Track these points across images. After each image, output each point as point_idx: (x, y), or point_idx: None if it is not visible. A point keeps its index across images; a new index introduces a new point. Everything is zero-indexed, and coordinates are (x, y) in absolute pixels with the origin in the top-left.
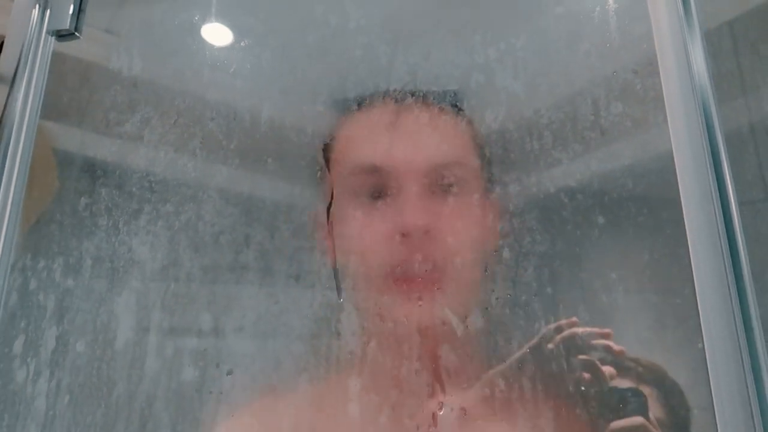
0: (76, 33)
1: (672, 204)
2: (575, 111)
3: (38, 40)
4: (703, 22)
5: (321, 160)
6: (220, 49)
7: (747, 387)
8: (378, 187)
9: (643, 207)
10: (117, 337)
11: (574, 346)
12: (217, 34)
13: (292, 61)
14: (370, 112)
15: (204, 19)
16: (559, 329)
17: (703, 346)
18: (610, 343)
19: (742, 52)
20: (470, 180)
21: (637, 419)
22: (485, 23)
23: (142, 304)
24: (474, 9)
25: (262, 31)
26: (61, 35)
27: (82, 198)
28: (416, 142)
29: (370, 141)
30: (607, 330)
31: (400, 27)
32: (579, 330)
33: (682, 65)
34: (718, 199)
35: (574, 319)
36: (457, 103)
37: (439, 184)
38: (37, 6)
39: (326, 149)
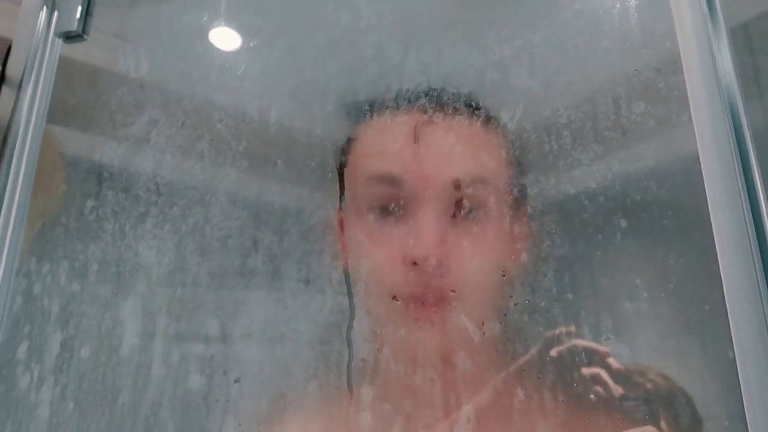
0: (83, 35)
1: (698, 206)
2: (595, 110)
3: (45, 42)
4: (728, 18)
5: (333, 163)
6: (229, 50)
7: None
8: (393, 199)
9: (668, 209)
10: (122, 343)
11: (574, 358)
12: (225, 35)
13: (302, 62)
14: (390, 118)
15: (212, 21)
16: (558, 340)
17: (734, 355)
18: (610, 360)
19: (760, 51)
20: (496, 199)
21: (648, 428)
22: (500, 20)
23: (148, 309)
24: (488, 5)
25: (271, 31)
26: (69, 37)
27: (88, 201)
28: (440, 155)
29: (389, 149)
30: (606, 349)
31: (412, 25)
32: (579, 343)
33: (706, 63)
34: (747, 201)
35: (572, 328)
36: (489, 113)
37: (460, 203)
38: (45, 8)
39: (342, 152)
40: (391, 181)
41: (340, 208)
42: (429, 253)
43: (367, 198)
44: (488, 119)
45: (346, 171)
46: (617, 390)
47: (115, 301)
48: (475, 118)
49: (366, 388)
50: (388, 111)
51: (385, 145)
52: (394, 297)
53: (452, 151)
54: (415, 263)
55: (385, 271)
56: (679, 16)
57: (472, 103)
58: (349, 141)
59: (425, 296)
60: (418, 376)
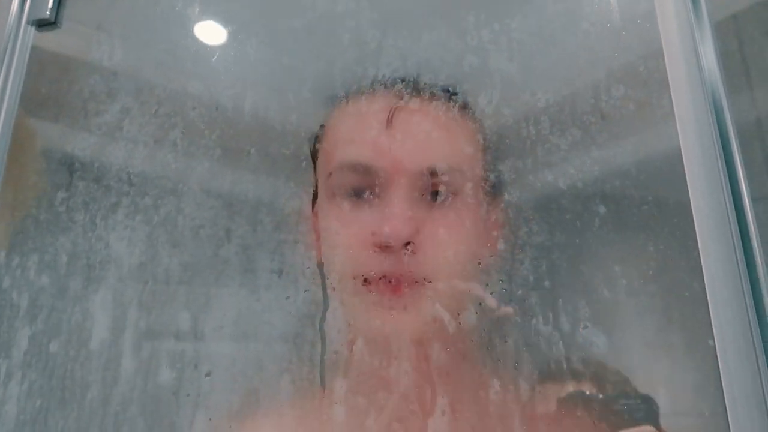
0: (56, 23)
1: (679, 193)
2: (574, 95)
3: (18, 30)
4: (712, 13)
5: (308, 151)
6: (203, 37)
7: (763, 389)
8: (365, 186)
9: (648, 196)
10: (92, 337)
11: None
12: (200, 22)
13: (277, 49)
14: (364, 104)
15: (187, 8)
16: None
17: (714, 343)
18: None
19: (749, 44)
20: (468, 187)
21: (647, 428)
22: (478, 4)
23: (118, 302)
24: None
25: (247, 18)
26: (42, 25)
27: (59, 192)
28: (411, 142)
29: (360, 136)
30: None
31: (390, 10)
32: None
33: (688, 50)
34: (728, 187)
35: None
36: (464, 99)
37: (430, 190)
38: None
39: (315, 140)
40: (364, 167)
41: (315, 197)
42: (400, 235)
43: (340, 184)
44: (464, 105)
45: (318, 158)
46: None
47: (85, 294)
48: (450, 103)
49: (339, 381)
50: (361, 96)
51: (358, 130)
52: (366, 282)
53: (427, 137)
54: (387, 246)
55: (357, 256)
56: (662, 11)
57: (448, 89)
58: (322, 128)
59: (398, 281)
60: (392, 368)
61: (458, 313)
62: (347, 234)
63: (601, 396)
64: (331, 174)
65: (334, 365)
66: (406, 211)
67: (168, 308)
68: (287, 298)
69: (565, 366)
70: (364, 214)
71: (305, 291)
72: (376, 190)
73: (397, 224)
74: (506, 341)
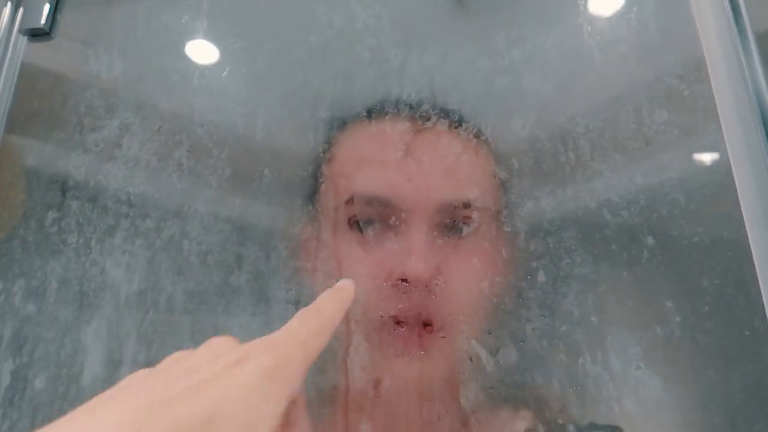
0: (50, 34)
1: (732, 220)
2: (615, 118)
3: (8, 39)
4: (754, 23)
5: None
6: (212, 50)
7: None
8: (380, 219)
9: (699, 225)
10: (83, 372)
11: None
12: (208, 34)
13: (293, 65)
14: (379, 128)
15: (195, 20)
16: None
17: None
18: None
19: None
20: (496, 217)
21: None
22: (507, 23)
23: (114, 333)
24: (494, 6)
25: (260, 32)
26: (34, 35)
27: (50, 212)
28: (432, 171)
29: (377, 165)
30: None
31: (413, 27)
32: None
33: (733, 68)
34: None
35: None
36: (476, 130)
37: (452, 223)
38: (9, 3)
39: (320, 162)
40: (382, 200)
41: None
42: (422, 272)
43: (354, 215)
44: (479, 135)
45: (325, 184)
46: None
47: (77, 324)
48: (468, 132)
49: (365, 424)
50: (374, 120)
51: (375, 158)
52: (383, 326)
53: (448, 167)
54: (404, 280)
55: (373, 293)
56: (702, 21)
57: (465, 117)
58: (329, 151)
59: (417, 325)
60: (424, 410)
61: (498, 350)
62: (363, 269)
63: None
64: (343, 204)
65: (358, 406)
66: (427, 244)
67: (170, 341)
68: None
69: (616, 410)
70: (381, 249)
71: None
72: (395, 222)
73: (418, 260)
74: (551, 382)
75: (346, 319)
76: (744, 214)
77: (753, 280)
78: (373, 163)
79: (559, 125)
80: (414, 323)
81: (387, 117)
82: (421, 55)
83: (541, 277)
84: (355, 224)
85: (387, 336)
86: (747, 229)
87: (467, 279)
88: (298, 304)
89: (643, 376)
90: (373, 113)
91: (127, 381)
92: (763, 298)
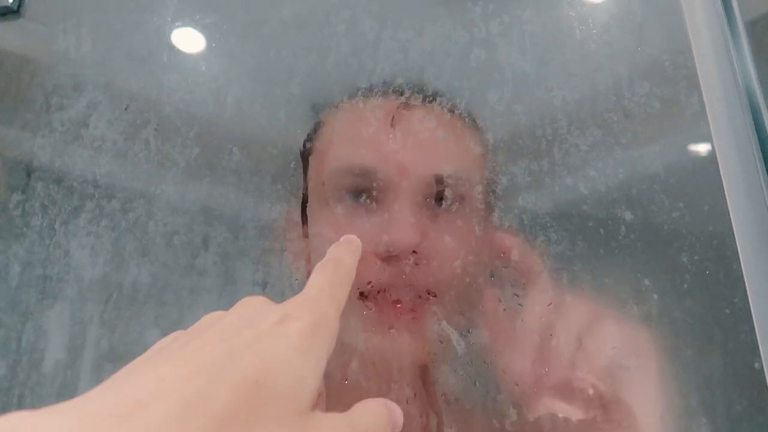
0: (19, 11)
1: (714, 196)
2: (595, 91)
3: None
4: (745, 10)
5: (298, 150)
6: (181, 26)
7: None
8: (363, 191)
9: (680, 201)
10: (45, 358)
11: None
12: (178, 9)
13: (265, 40)
14: (366, 103)
15: None
16: None
17: (761, 366)
18: None
19: None
20: (476, 192)
21: None
22: None
23: (77, 318)
24: None
25: (231, 6)
26: (2, 14)
27: (14, 194)
28: (416, 144)
29: (362, 137)
30: None
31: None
32: None
33: (719, 49)
34: None
35: None
36: (450, 104)
37: (435, 196)
38: None
39: (307, 139)
40: (366, 170)
41: (305, 202)
42: (406, 243)
43: (338, 188)
44: (453, 109)
45: (311, 159)
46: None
47: (39, 309)
48: (453, 104)
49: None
50: (361, 95)
51: (360, 131)
52: (362, 297)
53: (432, 140)
54: (390, 255)
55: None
56: (691, 10)
57: (440, 92)
58: (318, 126)
59: (399, 295)
60: (392, 394)
61: (468, 331)
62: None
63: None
64: (327, 177)
65: (326, 389)
66: (414, 218)
67: (134, 325)
68: None
69: (591, 391)
70: (363, 221)
71: None
72: (378, 195)
73: (402, 231)
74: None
75: None
76: (725, 188)
77: (734, 256)
78: (360, 137)
79: (537, 98)
80: (390, 298)
81: (368, 94)
82: (396, 29)
83: (515, 255)
84: (334, 198)
85: (359, 312)
86: (728, 203)
87: (448, 251)
88: (265, 285)
89: (618, 356)
90: (360, 92)
91: (160, 345)
92: (744, 274)
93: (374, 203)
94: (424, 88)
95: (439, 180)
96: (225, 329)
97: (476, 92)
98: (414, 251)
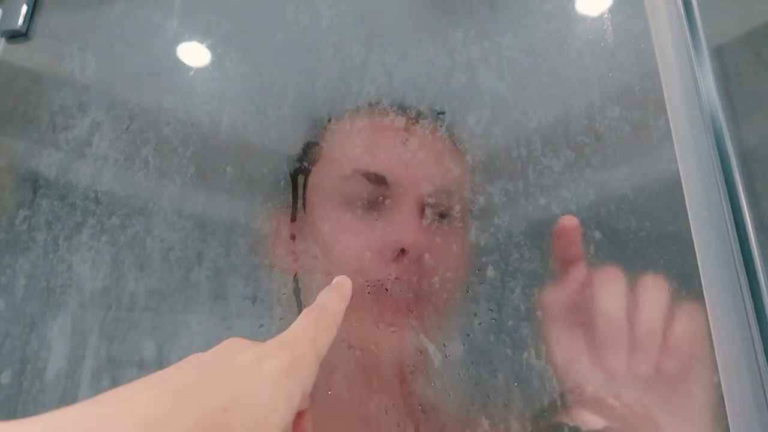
0: (27, 35)
1: (678, 216)
2: (568, 115)
3: None
4: (710, 37)
5: (288, 170)
6: (180, 50)
7: None
8: (375, 197)
9: (646, 221)
10: (48, 367)
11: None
12: (177, 35)
13: (258, 63)
14: (379, 117)
15: (164, 20)
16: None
17: (719, 380)
18: None
19: (747, 70)
20: (456, 210)
21: None
22: (467, 21)
23: (78, 329)
24: (454, 5)
25: (226, 31)
26: (12, 36)
27: (21, 210)
28: (421, 159)
29: (376, 148)
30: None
31: (375, 25)
32: None
33: (686, 76)
34: (732, 221)
35: None
36: (432, 126)
37: (435, 207)
38: None
39: (300, 158)
40: (381, 177)
41: (293, 219)
42: (419, 243)
43: (350, 193)
44: (434, 131)
45: (312, 172)
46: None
47: (42, 320)
48: (444, 124)
49: (316, 417)
50: (373, 109)
51: (377, 141)
52: (362, 294)
53: (430, 156)
54: (402, 251)
55: (365, 262)
56: (658, 33)
57: (442, 110)
58: (310, 146)
59: (399, 289)
60: (372, 404)
61: (444, 344)
62: (356, 242)
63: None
64: (334, 184)
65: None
66: (418, 219)
67: (132, 336)
68: (261, 326)
69: (558, 403)
70: (377, 222)
71: (280, 319)
72: (388, 202)
73: (415, 232)
74: (496, 376)
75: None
76: (689, 213)
77: (695, 275)
78: (373, 145)
79: (513, 121)
80: (405, 293)
81: (380, 109)
82: (382, 54)
83: (490, 272)
84: (344, 203)
85: (375, 305)
86: (691, 224)
87: (434, 265)
88: (255, 300)
89: (585, 370)
90: (371, 106)
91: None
92: (704, 293)
93: (385, 210)
94: (434, 108)
95: (439, 191)
96: (203, 361)
97: (456, 114)
98: (424, 251)
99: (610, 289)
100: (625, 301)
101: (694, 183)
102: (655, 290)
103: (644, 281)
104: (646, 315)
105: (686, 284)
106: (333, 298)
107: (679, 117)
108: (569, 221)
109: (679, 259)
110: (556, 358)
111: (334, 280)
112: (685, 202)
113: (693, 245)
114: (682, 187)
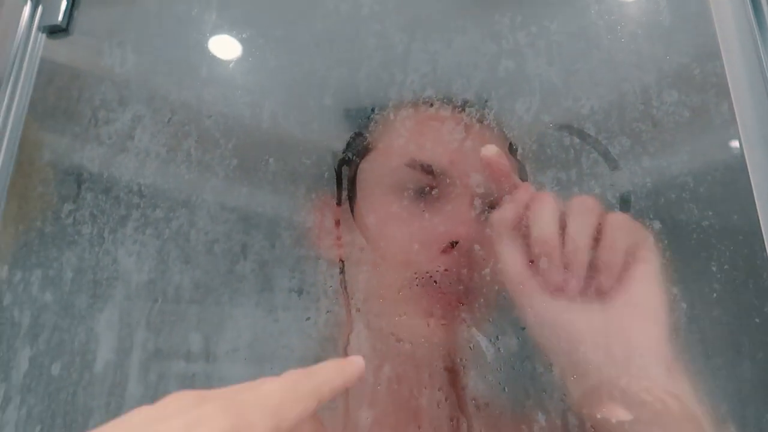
0: (68, 30)
1: (744, 204)
2: (622, 101)
3: (28, 37)
4: None
5: (331, 161)
6: (219, 42)
7: None
8: (424, 188)
9: (708, 209)
10: (96, 359)
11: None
12: (216, 26)
13: (298, 54)
14: (421, 108)
15: (203, 12)
16: None
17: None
18: None
19: None
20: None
21: None
22: (514, 5)
23: (125, 321)
24: None
25: (266, 22)
26: (53, 32)
27: (66, 204)
28: (474, 149)
29: (424, 138)
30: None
31: (418, 12)
32: None
33: (750, 56)
34: None
35: None
36: (479, 115)
37: (484, 197)
38: (29, 2)
39: (352, 141)
40: (436, 168)
41: (339, 204)
42: (473, 234)
43: (404, 182)
44: (482, 120)
45: (360, 163)
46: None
47: (90, 312)
48: (472, 118)
49: (364, 411)
50: (414, 100)
51: (422, 133)
52: (418, 285)
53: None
54: (454, 243)
55: (418, 252)
56: (716, 1)
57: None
58: (355, 137)
59: (450, 280)
60: (423, 398)
61: (497, 338)
62: (404, 234)
63: None
64: (387, 173)
65: (358, 393)
66: (470, 214)
67: (178, 328)
68: (308, 319)
69: (618, 397)
70: (432, 212)
71: (327, 312)
72: (442, 192)
73: (466, 224)
74: (552, 371)
75: (347, 306)
76: (756, 197)
77: (764, 264)
78: (422, 136)
79: (564, 108)
80: (454, 285)
81: (429, 99)
82: (426, 41)
83: (543, 263)
84: (397, 192)
85: (424, 298)
86: (759, 213)
87: (488, 255)
88: (300, 292)
89: (646, 364)
90: (416, 95)
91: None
92: None
93: (439, 200)
94: (481, 96)
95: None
96: (142, 420)
97: (504, 102)
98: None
99: (542, 211)
100: (554, 223)
101: (761, 168)
102: (579, 210)
103: (570, 202)
104: (570, 234)
105: (754, 275)
106: (331, 368)
107: (743, 101)
108: (486, 150)
109: (746, 250)
110: (503, 272)
111: (348, 359)
112: (752, 190)
113: (762, 236)
114: (748, 174)
